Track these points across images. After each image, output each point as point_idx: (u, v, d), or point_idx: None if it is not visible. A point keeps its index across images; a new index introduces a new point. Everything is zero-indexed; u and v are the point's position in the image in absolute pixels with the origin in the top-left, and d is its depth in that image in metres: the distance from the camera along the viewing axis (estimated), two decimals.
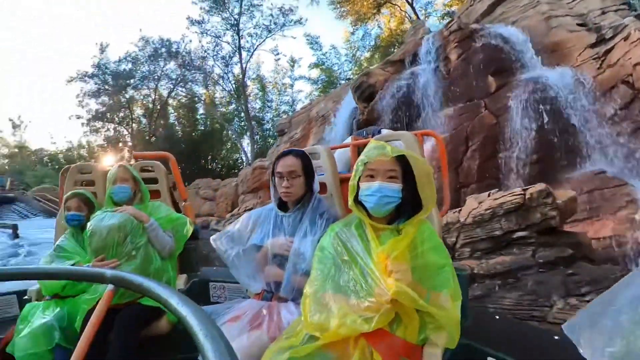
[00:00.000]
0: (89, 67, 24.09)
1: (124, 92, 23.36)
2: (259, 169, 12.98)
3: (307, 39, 23.92)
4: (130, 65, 23.03)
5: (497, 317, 1.78)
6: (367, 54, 23.55)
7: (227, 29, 22.36)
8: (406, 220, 1.24)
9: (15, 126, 28.75)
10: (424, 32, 11.54)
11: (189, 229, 2.09)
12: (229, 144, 25.99)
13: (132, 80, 23.00)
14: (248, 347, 1.28)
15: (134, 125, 24.69)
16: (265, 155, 16.74)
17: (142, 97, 24.53)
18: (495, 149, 6.62)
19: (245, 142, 24.50)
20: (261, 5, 22.48)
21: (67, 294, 1.91)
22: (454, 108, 7.60)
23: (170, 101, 24.90)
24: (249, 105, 23.51)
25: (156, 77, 23.30)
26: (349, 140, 2.29)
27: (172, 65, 23.26)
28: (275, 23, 22.59)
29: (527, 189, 4.13)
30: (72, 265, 1.92)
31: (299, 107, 21.90)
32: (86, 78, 22.85)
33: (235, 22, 22.01)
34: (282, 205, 1.64)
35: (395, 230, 1.23)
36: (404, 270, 1.11)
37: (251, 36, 22.75)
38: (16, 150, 26.83)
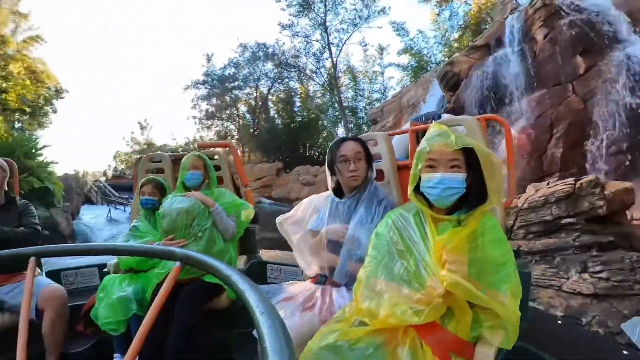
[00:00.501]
0: (199, 75, 28.53)
1: (229, 93, 26.87)
2: None
3: (393, 27, 23.62)
4: (233, 70, 26.30)
5: (560, 322, 1.61)
6: (456, 34, 22.29)
7: (316, 28, 23.73)
8: (468, 211, 1.16)
9: (142, 127, 34.67)
10: (512, 6, 10.69)
11: (250, 214, 2.22)
12: (324, 132, 27.34)
13: (235, 83, 26.33)
14: (299, 326, 1.33)
15: (240, 121, 28.32)
16: None
17: (245, 96, 27.99)
18: (582, 136, 6.13)
19: (340, 131, 25.63)
20: (344, 1, 23.20)
21: (140, 269, 2.11)
22: (539, 93, 7.08)
23: (270, 97, 27.54)
24: (342, 96, 24.54)
25: (256, 77, 26.08)
26: (407, 126, 2.19)
27: (269, 65, 26.02)
28: (359, 16, 23.27)
29: (580, 179, 4.28)
30: (146, 243, 2.12)
31: (390, 94, 22.05)
32: (198, 85, 26.51)
33: (322, 20, 23.25)
34: (338, 192, 1.66)
35: (456, 221, 1.17)
36: (460, 262, 1.06)
37: (338, 32, 23.74)
38: (145, 146, 32.25)
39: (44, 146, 10.03)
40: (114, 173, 33.15)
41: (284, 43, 24.98)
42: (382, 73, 26.22)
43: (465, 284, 1.01)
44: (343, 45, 23.88)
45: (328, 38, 23.33)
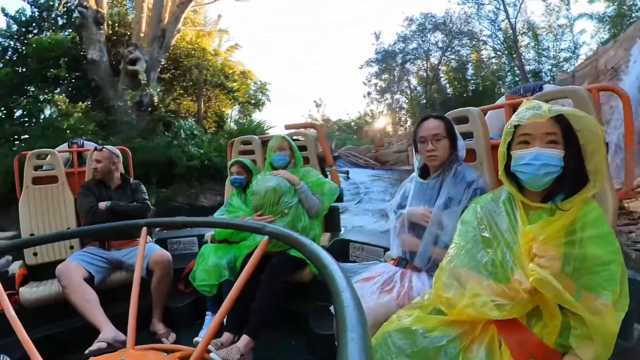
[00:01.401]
0: (371, 54, 30.13)
1: (400, 67, 27.56)
2: None
3: None
4: (401, 44, 26.75)
5: None
6: None
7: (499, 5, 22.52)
8: (565, 198, 1.01)
9: (317, 105, 42.42)
10: None
11: (335, 193, 2.32)
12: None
13: (405, 56, 26.96)
14: (376, 308, 1.33)
15: (411, 93, 28.79)
16: None
17: (415, 69, 28.19)
18: None
19: None
20: None
21: (233, 240, 2.35)
22: None
23: (441, 67, 26.94)
24: (522, 58, 22.80)
25: (425, 49, 26.22)
26: (503, 100, 1.99)
27: (438, 36, 26.06)
28: None
29: None
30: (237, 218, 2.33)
31: (582, 52, 19.71)
32: (371, 63, 28.10)
33: None
34: (423, 172, 1.61)
35: (550, 210, 1.03)
36: (551, 257, 0.94)
37: None
38: (322, 122, 37.58)
39: (270, 127, 12.84)
40: None
41: (453, 12, 24.32)
42: (571, 27, 21.94)
43: (554, 283, 0.90)
44: (521, 4, 21.66)
45: (506, 9, 21.74)
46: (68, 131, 9.57)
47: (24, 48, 11.89)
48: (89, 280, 2.06)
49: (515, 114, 1.08)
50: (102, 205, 2.31)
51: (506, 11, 21.50)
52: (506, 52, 23.18)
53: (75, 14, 11.93)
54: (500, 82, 24.02)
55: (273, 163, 2.35)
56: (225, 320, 1.84)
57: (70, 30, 12.70)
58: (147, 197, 2.55)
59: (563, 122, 1.02)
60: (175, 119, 12.26)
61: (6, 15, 12.41)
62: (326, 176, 2.68)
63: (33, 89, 11.24)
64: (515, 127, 1.08)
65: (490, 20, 22.76)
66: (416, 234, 1.50)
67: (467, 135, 1.73)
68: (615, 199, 1.27)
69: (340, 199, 2.46)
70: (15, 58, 12.05)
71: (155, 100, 12.19)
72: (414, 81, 28.34)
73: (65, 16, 12.95)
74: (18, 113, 11.06)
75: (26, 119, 10.87)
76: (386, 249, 1.88)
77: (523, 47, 22.86)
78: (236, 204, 2.50)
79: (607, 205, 1.22)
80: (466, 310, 1.03)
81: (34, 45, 11.13)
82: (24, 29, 12.33)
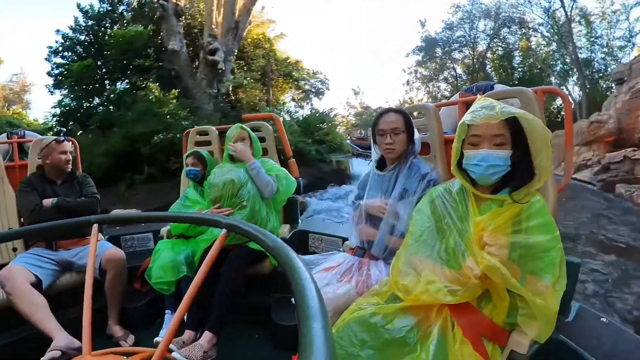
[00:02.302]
0: (417, 42, 31.14)
1: (446, 55, 27.82)
2: (595, 123, 11.97)
3: None
4: (447, 32, 26.88)
5: (604, 319, 1.40)
6: None
7: None
8: (513, 191, 1.10)
9: (356, 93, 43.31)
10: None
11: (292, 184, 2.29)
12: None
13: (452, 45, 26.99)
14: (335, 297, 1.36)
15: (455, 81, 28.56)
16: (597, 103, 15.45)
17: (461, 57, 28.27)
18: None
19: (570, 87, 23.36)
20: None
21: (190, 235, 2.28)
22: None
23: (488, 55, 26.78)
24: (574, 46, 22.01)
25: (472, 36, 26.25)
26: (456, 97, 2.08)
27: (486, 23, 25.75)
28: None
29: None
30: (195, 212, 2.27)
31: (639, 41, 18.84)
32: (417, 51, 28.41)
33: None
34: (380, 164, 1.67)
35: (500, 201, 1.12)
36: (500, 245, 1.02)
37: None
38: (361, 109, 38.15)
39: (335, 114, 13.74)
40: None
41: None
42: (627, 14, 20.87)
43: (502, 269, 0.98)
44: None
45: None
46: (168, 116, 10.41)
47: (99, 40, 12.88)
48: (36, 284, 1.88)
49: (469, 111, 1.14)
50: (47, 202, 2.12)
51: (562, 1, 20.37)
52: (556, 39, 22.49)
53: (145, 9, 13.34)
54: (550, 70, 23.73)
55: (232, 154, 2.27)
56: (185, 317, 1.78)
57: (139, 23, 13.46)
58: (95, 190, 2.36)
59: (513, 123, 1.08)
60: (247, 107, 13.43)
61: (80, 10, 13.34)
62: (286, 168, 2.65)
63: (113, 79, 12.28)
64: (468, 125, 1.13)
65: (543, 8, 22.12)
66: (373, 224, 1.55)
67: (423, 130, 1.81)
68: (555, 192, 1.38)
69: (298, 190, 2.43)
70: (93, 50, 12.92)
71: (230, 89, 13.31)
72: (459, 69, 28.34)
73: (138, 10, 13.94)
74: (96, 101, 12.39)
75: (116, 107, 11.74)
76: (345, 239, 1.91)
77: (575, 35, 21.87)
78: (192, 197, 2.43)
79: (549, 197, 1.32)
80: (421, 297, 1.08)
81: (115, 37, 11.92)
82: (95, 23, 13.37)
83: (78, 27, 13.25)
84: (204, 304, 1.82)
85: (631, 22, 20.58)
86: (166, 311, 2.15)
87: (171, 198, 2.68)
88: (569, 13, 20.61)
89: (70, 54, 13.33)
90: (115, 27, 13.04)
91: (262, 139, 2.67)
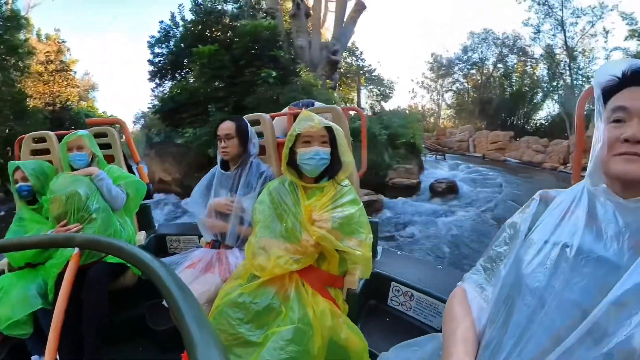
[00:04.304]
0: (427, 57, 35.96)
1: (461, 71, 33.70)
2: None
3: (622, 16, 23.76)
4: (461, 53, 33.09)
5: (399, 252, 2.25)
6: None
7: (556, 32, 25.70)
8: (329, 179, 1.48)
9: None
10: None
11: (142, 189, 2.18)
12: (541, 106, 31.36)
13: (465, 64, 33.12)
14: (204, 290, 1.52)
15: (465, 94, 34.62)
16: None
17: (471, 74, 33.93)
18: None
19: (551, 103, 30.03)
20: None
21: (37, 262, 1.96)
22: None
23: (493, 75, 32.48)
24: (559, 72, 26.91)
25: (481, 58, 32.12)
26: (287, 109, 2.55)
27: (495, 48, 31.43)
28: (596, 15, 25.01)
29: None
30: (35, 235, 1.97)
31: None
32: (435, 67, 34.51)
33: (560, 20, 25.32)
34: (225, 166, 1.87)
35: (321, 188, 1.47)
36: (325, 220, 1.34)
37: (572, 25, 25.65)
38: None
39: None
40: None
41: (512, 30, 30.55)
42: (607, 57, 25.92)
43: (329, 236, 1.31)
44: (577, 41, 25.94)
45: (565, 34, 25.21)
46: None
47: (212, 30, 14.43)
48: None
49: (295, 123, 1.47)
50: None
51: (565, 35, 25.03)
52: (547, 67, 27.41)
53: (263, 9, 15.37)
54: (539, 89, 29.85)
55: (72, 164, 2.06)
56: (58, 356, 1.58)
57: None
58: None
59: (329, 130, 1.46)
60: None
61: (197, 4, 15.16)
62: (133, 173, 2.52)
63: (240, 66, 12.67)
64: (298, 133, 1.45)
65: (544, 43, 26.94)
66: (223, 218, 1.76)
67: (260, 135, 2.10)
68: (357, 178, 1.94)
69: (150, 195, 2.36)
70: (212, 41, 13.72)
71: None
72: (466, 84, 34.56)
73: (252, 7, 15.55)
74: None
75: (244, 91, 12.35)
76: (201, 236, 1.99)
77: (561, 63, 27.38)
78: (29, 216, 2.06)
79: (353, 181, 1.76)
80: (274, 270, 1.33)
81: (246, 28, 12.89)
82: (204, 18, 14.89)
83: (194, 21, 14.94)
84: (74, 334, 1.66)
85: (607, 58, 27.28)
86: (32, 358, 1.78)
87: None
88: (570, 46, 25.80)
89: (172, 43, 15.02)
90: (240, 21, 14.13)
91: (107, 146, 2.51)
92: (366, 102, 24.46)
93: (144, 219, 2.55)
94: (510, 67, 32.71)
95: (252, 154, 1.85)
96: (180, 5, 15.93)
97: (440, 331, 0.88)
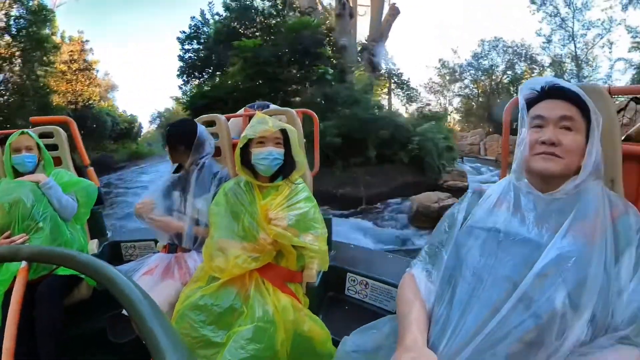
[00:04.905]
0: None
1: (471, 77, 34.20)
2: None
3: (628, 29, 24.55)
4: (471, 60, 33.50)
5: (352, 245, 2.42)
6: None
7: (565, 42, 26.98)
8: (284, 179, 1.51)
9: None
10: None
11: (92, 193, 2.07)
12: None
13: (475, 71, 33.44)
14: (165, 294, 1.50)
15: (476, 99, 35.18)
16: None
17: (472, 79, 34.58)
18: None
19: None
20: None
21: None
22: None
23: (503, 80, 33.07)
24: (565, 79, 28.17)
25: (490, 65, 32.61)
26: (242, 111, 2.58)
27: (504, 56, 32.35)
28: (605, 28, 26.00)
29: None
30: None
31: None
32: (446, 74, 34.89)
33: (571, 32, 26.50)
34: (179, 168, 1.84)
35: (276, 187, 1.50)
36: (281, 218, 1.37)
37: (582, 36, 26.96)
38: None
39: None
40: None
41: (522, 38, 30.89)
42: (611, 67, 27.41)
43: (286, 233, 1.34)
44: (588, 50, 26.98)
45: (575, 45, 26.31)
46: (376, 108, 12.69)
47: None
48: None
49: (249, 125, 1.48)
50: None
51: (575, 46, 26.35)
52: (554, 75, 27.00)
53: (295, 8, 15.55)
54: None
55: (18, 167, 1.89)
56: None
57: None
58: None
59: (283, 132, 1.49)
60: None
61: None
62: (83, 177, 2.39)
63: (283, 62, 12.89)
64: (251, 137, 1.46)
65: (554, 52, 28.56)
66: (178, 217, 1.74)
67: (216, 136, 2.11)
68: (311, 176, 2.00)
69: (100, 200, 2.23)
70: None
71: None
72: (476, 89, 35.18)
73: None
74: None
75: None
76: (157, 241, 1.93)
77: (567, 74, 28.44)
78: None
79: (307, 180, 1.82)
80: (233, 270, 1.35)
81: (291, 25, 13.24)
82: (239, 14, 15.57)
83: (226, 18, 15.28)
84: (30, 357, 1.54)
85: (613, 71, 28.34)
86: None
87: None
88: (577, 55, 27.41)
89: (202, 39, 15.37)
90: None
91: (54, 147, 2.38)
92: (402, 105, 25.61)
93: (95, 226, 2.46)
94: (518, 74, 33.90)
95: (206, 154, 1.83)
96: (210, 2, 16.50)
97: (395, 313, 0.99)
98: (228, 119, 2.26)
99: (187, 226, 1.70)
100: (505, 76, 34.59)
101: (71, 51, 18.65)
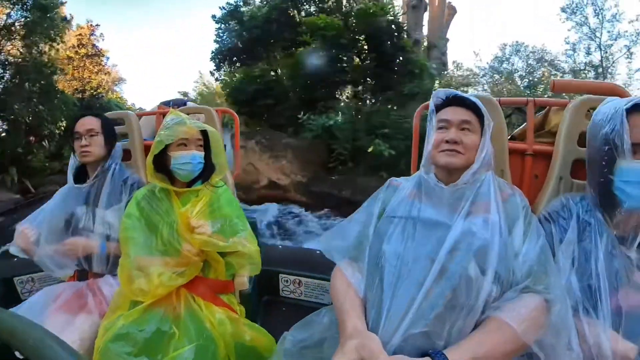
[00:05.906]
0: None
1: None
2: None
3: None
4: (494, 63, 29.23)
5: (280, 246, 2.36)
6: None
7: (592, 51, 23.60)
8: (203, 183, 1.43)
9: None
10: None
11: None
12: None
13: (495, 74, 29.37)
14: (81, 333, 1.28)
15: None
16: None
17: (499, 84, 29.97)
18: None
19: None
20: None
21: None
22: None
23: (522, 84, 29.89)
24: None
25: (511, 70, 29.11)
26: (156, 108, 2.29)
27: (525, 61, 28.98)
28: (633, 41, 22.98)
29: None
30: None
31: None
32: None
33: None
34: (80, 177, 1.59)
35: (195, 192, 1.40)
36: (204, 225, 1.29)
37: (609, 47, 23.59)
38: None
39: None
40: None
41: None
42: (630, 77, 26.73)
43: (212, 240, 1.26)
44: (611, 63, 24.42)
45: (602, 55, 23.00)
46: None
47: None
48: None
49: (165, 127, 1.34)
50: None
51: (601, 56, 23.17)
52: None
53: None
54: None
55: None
56: None
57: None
58: None
59: (204, 132, 1.41)
60: None
61: None
62: None
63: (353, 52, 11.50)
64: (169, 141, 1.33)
65: (577, 60, 26.14)
66: (85, 236, 1.48)
67: (125, 136, 1.91)
68: (232, 178, 1.93)
69: None
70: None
71: None
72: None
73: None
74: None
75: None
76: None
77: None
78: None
79: (228, 182, 1.75)
80: (157, 291, 1.22)
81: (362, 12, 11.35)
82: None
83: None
84: None
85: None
86: None
87: None
88: (604, 66, 25.69)
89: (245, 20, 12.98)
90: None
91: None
92: None
93: None
94: (537, 79, 31.29)
95: (115, 157, 1.61)
96: None
97: (332, 304, 1.04)
98: (139, 116, 2.05)
99: (98, 246, 1.46)
100: (522, 81, 32.53)
101: (79, 34, 16.19)
